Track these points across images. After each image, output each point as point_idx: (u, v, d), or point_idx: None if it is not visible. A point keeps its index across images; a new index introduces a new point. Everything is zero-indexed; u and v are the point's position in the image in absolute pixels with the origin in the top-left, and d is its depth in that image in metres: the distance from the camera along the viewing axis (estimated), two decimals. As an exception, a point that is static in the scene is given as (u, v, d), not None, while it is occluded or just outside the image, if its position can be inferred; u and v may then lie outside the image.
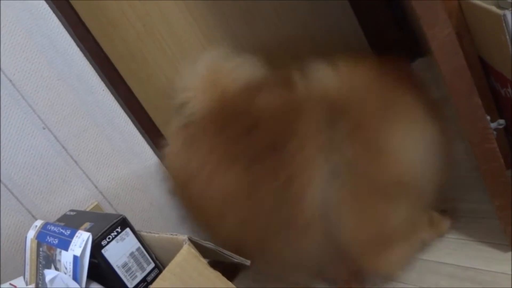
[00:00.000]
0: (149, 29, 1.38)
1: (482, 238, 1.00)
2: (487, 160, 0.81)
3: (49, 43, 1.08)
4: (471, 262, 0.96)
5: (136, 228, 0.79)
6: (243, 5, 1.49)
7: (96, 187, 1.14)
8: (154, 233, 0.78)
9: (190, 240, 0.69)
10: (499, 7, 0.85)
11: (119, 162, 1.18)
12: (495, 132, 0.80)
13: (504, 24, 0.74)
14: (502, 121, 0.80)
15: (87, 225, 0.80)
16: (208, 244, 0.70)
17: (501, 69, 0.86)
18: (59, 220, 0.93)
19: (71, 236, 0.75)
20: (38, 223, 0.88)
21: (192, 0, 1.44)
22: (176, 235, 0.71)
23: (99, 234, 0.74)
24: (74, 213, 0.94)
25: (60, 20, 1.09)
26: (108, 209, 1.16)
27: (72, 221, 0.88)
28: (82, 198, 1.12)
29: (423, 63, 1.74)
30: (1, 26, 1.01)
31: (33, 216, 1.05)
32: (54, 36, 1.09)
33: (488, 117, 0.78)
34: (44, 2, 1.07)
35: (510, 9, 0.74)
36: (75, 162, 1.11)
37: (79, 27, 1.11)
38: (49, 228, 0.83)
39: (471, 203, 1.10)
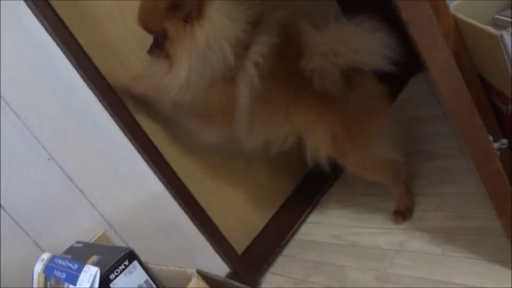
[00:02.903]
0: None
1: (492, 257, 0.99)
2: (491, 180, 0.81)
3: (53, 75, 1.09)
4: (481, 282, 0.95)
5: (142, 257, 0.79)
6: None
7: (102, 216, 1.14)
8: (162, 265, 0.78)
9: (199, 273, 0.69)
10: (495, 25, 0.86)
11: (124, 191, 1.18)
12: (498, 152, 0.80)
13: (502, 45, 0.75)
14: (504, 141, 0.80)
15: (94, 258, 0.79)
16: (217, 277, 0.70)
17: (502, 88, 0.86)
18: (66, 252, 0.92)
19: (79, 270, 0.75)
20: (45, 256, 0.88)
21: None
22: (184, 267, 0.71)
23: (107, 268, 0.74)
24: (81, 245, 0.94)
25: (63, 51, 1.10)
26: (114, 238, 1.15)
27: (79, 253, 0.88)
28: (88, 228, 1.11)
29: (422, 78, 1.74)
30: (5, 58, 1.02)
31: (39, 247, 1.05)
32: (57, 68, 1.10)
33: (491, 138, 0.78)
34: (48, 35, 1.08)
35: (509, 29, 0.75)
36: (81, 191, 1.12)
37: (82, 57, 1.12)
38: (57, 262, 0.83)
39: (479, 221, 1.10)
